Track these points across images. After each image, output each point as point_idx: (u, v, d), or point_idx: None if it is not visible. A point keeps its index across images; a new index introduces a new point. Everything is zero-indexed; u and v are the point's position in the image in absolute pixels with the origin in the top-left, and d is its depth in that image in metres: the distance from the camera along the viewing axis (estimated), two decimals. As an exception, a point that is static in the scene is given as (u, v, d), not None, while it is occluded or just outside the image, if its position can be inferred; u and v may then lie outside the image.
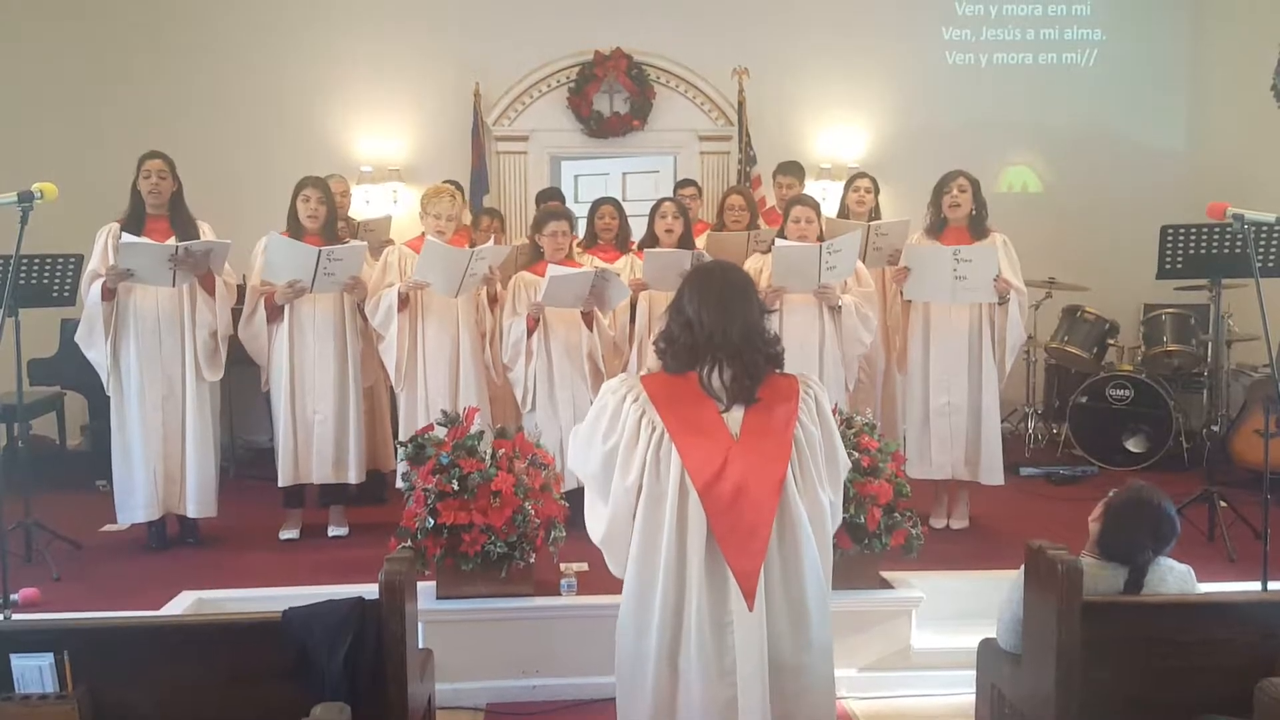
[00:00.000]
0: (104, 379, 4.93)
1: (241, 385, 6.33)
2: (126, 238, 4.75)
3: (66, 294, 5.50)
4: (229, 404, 6.42)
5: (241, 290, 5.25)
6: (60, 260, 5.53)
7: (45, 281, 5.51)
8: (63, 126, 7.38)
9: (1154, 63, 8.12)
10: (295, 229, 5.07)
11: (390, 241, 5.88)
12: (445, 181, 5.94)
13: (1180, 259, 5.36)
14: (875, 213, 5.94)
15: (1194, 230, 5.30)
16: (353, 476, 5.22)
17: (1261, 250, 5.07)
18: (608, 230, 5.70)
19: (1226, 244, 5.20)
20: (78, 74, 7.51)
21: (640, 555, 2.55)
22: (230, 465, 6.46)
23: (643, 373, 2.68)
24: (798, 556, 2.53)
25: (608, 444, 2.57)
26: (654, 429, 2.54)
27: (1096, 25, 8.15)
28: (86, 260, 5.00)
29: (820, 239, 5.04)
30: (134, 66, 7.55)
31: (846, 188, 6.10)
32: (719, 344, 2.53)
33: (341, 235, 5.29)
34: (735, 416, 2.55)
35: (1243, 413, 6.12)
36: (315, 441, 5.12)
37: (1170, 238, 5.37)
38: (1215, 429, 5.82)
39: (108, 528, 5.25)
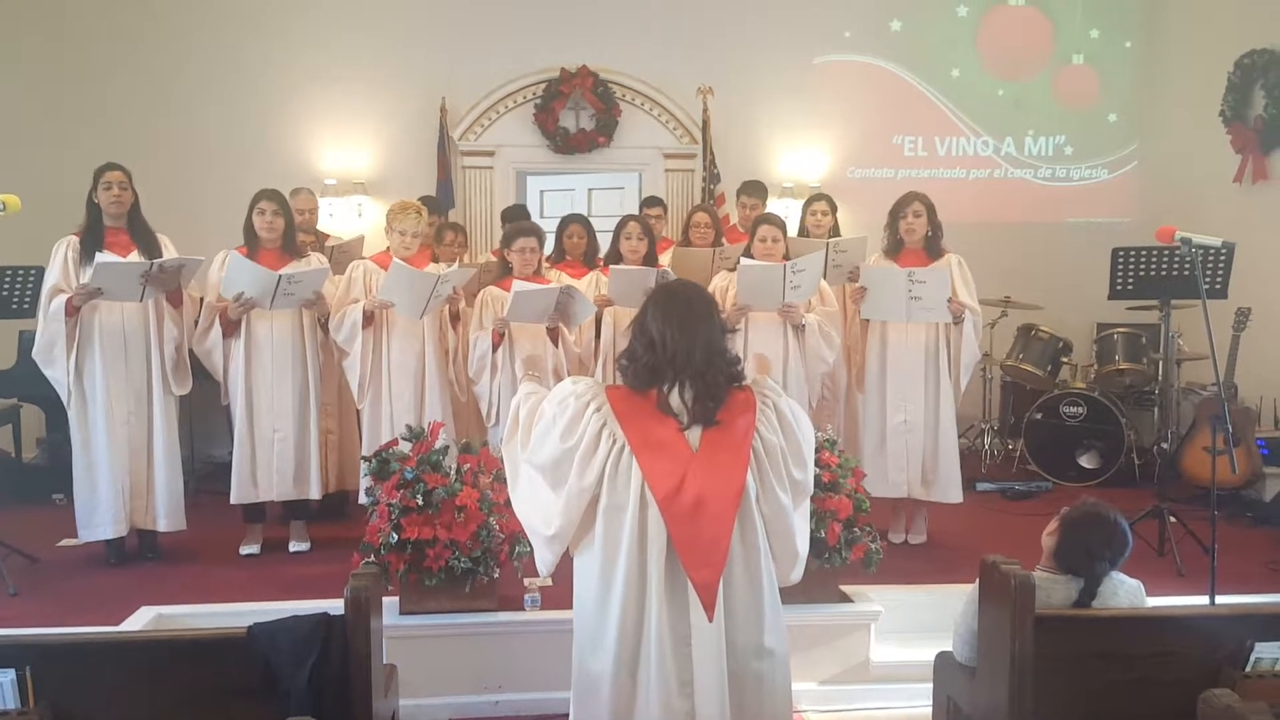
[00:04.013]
0: (64, 396, 4.82)
1: (201, 399, 6.27)
2: (101, 257, 4.68)
3: (26, 306, 5.45)
4: (188, 418, 6.36)
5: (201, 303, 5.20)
6: (20, 272, 5.48)
7: (4, 293, 5.46)
8: (23, 138, 7.29)
9: (1106, 86, 8.31)
10: (252, 243, 5.03)
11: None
12: (419, 198, 5.92)
13: (1131, 280, 5.51)
14: (834, 232, 6.05)
15: (1144, 253, 5.45)
16: (314, 492, 5.19)
17: (1209, 273, 5.21)
18: (576, 247, 5.75)
19: (1175, 266, 5.35)
20: (40, 87, 7.43)
21: (599, 568, 2.58)
22: (190, 479, 6.38)
23: (608, 383, 2.72)
24: (757, 567, 2.58)
25: (565, 444, 2.59)
26: (614, 441, 2.57)
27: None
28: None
29: (785, 258, 5.11)
30: (97, 78, 7.48)
31: (804, 209, 6.20)
32: (681, 364, 2.57)
33: (302, 247, 5.23)
34: (694, 433, 2.59)
35: (1192, 430, 6.26)
36: (275, 459, 5.08)
37: (1121, 260, 5.52)
38: (1165, 446, 5.94)
39: (65, 542, 5.20)
